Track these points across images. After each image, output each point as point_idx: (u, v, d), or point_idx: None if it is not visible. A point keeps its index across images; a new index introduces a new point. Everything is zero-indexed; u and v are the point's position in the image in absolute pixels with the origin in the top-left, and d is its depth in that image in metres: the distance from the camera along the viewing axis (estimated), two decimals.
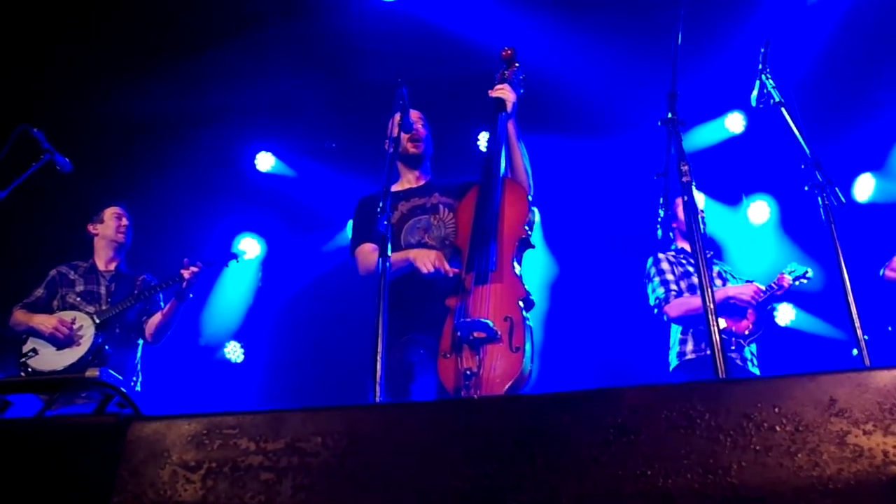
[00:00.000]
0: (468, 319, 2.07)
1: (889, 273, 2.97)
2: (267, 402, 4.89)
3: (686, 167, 1.73)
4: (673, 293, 3.03)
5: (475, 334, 2.05)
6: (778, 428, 0.77)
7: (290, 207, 5.47)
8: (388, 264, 1.97)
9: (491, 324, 2.04)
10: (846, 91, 4.58)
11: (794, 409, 0.78)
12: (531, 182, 2.50)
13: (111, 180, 4.75)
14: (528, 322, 2.12)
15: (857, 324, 2.00)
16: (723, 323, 2.90)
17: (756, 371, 2.99)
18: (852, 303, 1.96)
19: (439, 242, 2.43)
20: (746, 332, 2.97)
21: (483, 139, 5.09)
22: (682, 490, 0.76)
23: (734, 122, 4.95)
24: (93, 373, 1.31)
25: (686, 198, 1.68)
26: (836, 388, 0.78)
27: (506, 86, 2.53)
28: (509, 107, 2.49)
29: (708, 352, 2.85)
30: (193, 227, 5.15)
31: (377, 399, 1.75)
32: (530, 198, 2.42)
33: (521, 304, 2.13)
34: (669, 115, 1.80)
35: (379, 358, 1.77)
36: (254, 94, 5.22)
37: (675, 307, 3.00)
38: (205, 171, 5.33)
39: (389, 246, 2.01)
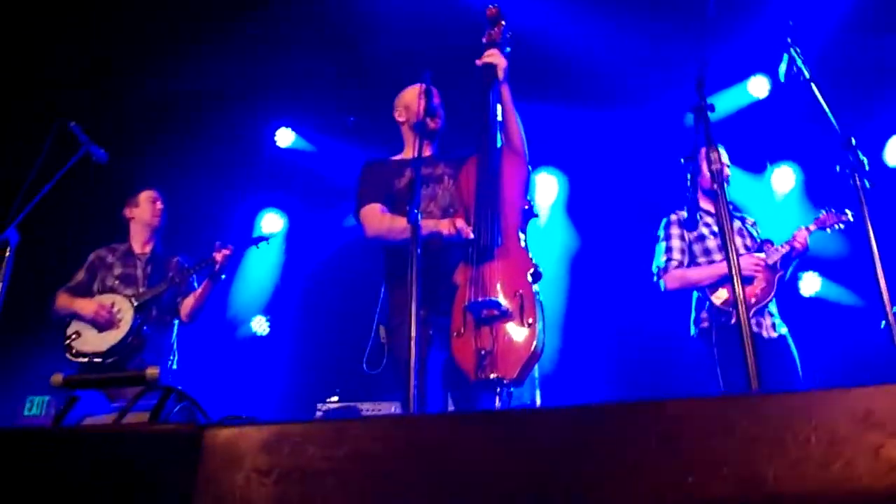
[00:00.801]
0: (479, 299, 2.07)
1: None
2: (292, 374, 5.06)
3: (716, 154, 1.73)
4: (674, 263, 2.98)
5: (487, 312, 2.06)
6: (813, 439, 0.81)
7: (311, 182, 5.53)
8: (418, 252, 2.01)
9: (502, 302, 2.06)
10: (881, 51, 4.46)
11: (830, 421, 0.82)
12: (526, 149, 2.42)
13: (132, 158, 4.83)
14: (537, 295, 2.11)
15: (887, 297, 2.01)
16: (725, 294, 2.85)
17: (777, 334, 2.91)
18: (882, 277, 1.97)
19: (444, 212, 2.42)
20: (753, 300, 2.89)
21: (500, 110, 5.06)
22: (721, 497, 0.81)
23: (759, 86, 4.85)
24: (153, 371, 1.40)
25: (716, 186, 1.69)
26: (871, 400, 0.82)
27: (495, 51, 2.44)
28: (501, 73, 2.41)
29: (719, 320, 2.81)
30: (216, 204, 5.24)
31: (411, 390, 1.79)
32: (529, 167, 2.37)
33: (529, 277, 2.12)
34: (698, 103, 1.79)
35: (413, 351, 1.80)
36: (273, 69, 5.22)
37: (672, 279, 2.98)
38: (225, 147, 5.38)
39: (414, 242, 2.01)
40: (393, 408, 4.34)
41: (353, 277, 5.28)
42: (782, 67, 2.29)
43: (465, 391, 2.24)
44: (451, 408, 2.34)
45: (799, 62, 2.21)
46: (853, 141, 1.98)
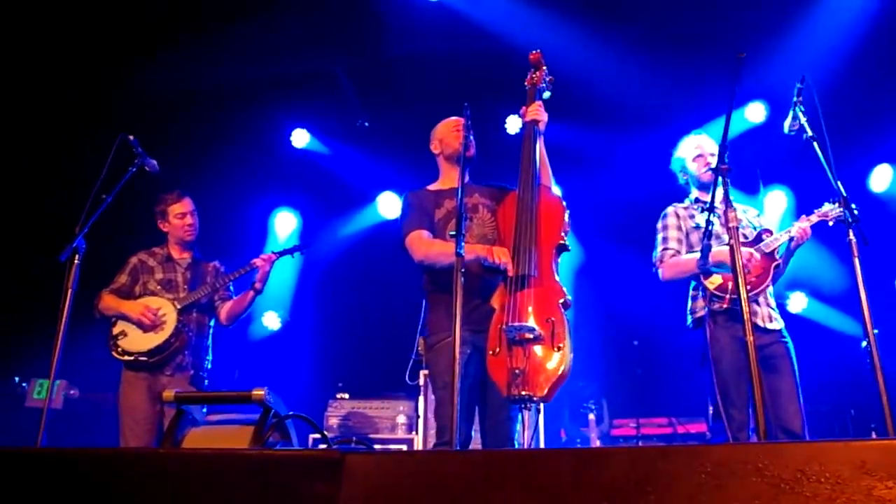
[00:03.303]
0: (516, 324, 2.29)
1: None
2: (303, 369, 5.29)
3: (733, 213, 1.99)
4: (669, 252, 2.99)
5: (521, 335, 2.28)
6: (822, 480, 1.09)
7: (325, 182, 5.73)
8: (461, 280, 2.24)
9: (536, 327, 2.29)
10: (874, 83, 4.76)
11: (835, 467, 1.09)
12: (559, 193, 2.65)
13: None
14: (568, 322, 2.34)
15: (871, 331, 2.20)
16: (718, 279, 2.84)
17: (773, 326, 2.87)
18: (868, 317, 2.17)
19: (479, 240, 2.61)
20: (748, 287, 2.72)
21: (511, 123, 5.33)
22: None
23: (756, 112, 5.14)
24: (259, 393, 1.64)
25: (732, 242, 1.96)
26: (865, 452, 1.10)
27: (540, 107, 2.67)
28: (542, 127, 2.66)
29: (713, 305, 2.77)
30: (233, 202, 5.42)
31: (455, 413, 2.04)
32: (566, 207, 2.58)
33: (560, 305, 2.35)
34: (720, 165, 2.05)
35: (456, 384, 2.03)
36: (291, 70, 5.38)
37: (667, 268, 2.98)
38: (241, 146, 5.56)
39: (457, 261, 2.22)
40: (401, 406, 4.60)
41: (363, 276, 5.53)
42: (787, 122, 2.55)
43: (495, 405, 2.49)
44: (476, 420, 2.59)
45: (803, 121, 2.46)
46: (854, 207, 2.23)
